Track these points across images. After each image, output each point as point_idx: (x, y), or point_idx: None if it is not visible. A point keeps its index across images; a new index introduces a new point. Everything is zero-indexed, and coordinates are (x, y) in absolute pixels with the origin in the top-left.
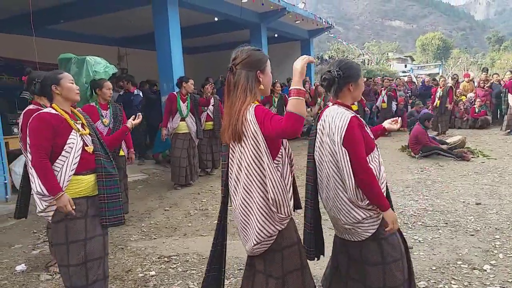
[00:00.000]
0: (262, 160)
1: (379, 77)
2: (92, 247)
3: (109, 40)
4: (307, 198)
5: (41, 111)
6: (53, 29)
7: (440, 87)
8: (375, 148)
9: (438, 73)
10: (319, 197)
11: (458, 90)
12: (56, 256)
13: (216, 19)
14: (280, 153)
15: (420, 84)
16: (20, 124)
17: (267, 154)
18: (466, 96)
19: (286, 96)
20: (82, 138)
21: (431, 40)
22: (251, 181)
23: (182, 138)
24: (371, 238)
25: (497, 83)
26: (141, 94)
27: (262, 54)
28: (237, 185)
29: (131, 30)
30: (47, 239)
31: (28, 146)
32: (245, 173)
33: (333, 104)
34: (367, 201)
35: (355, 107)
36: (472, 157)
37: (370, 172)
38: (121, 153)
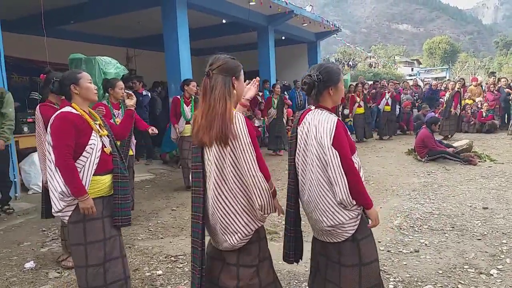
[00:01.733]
0: (245, 166)
1: (384, 80)
2: (111, 248)
3: (118, 41)
4: (288, 202)
5: (62, 110)
6: (63, 30)
7: (449, 91)
8: (356, 151)
9: (445, 77)
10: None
11: (465, 94)
12: (72, 257)
13: (224, 21)
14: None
15: (427, 88)
16: (39, 117)
17: (254, 163)
18: (473, 100)
19: (286, 97)
20: (101, 139)
21: (438, 43)
22: (236, 185)
23: (189, 140)
24: (350, 239)
25: (505, 87)
26: (149, 94)
27: (237, 62)
28: (220, 189)
29: (140, 31)
30: (58, 237)
31: (50, 146)
32: (230, 178)
33: (315, 108)
34: (354, 202)
35: (361, 110)
36: (479, 161)
37: (357, 173)
38: (130, 152)
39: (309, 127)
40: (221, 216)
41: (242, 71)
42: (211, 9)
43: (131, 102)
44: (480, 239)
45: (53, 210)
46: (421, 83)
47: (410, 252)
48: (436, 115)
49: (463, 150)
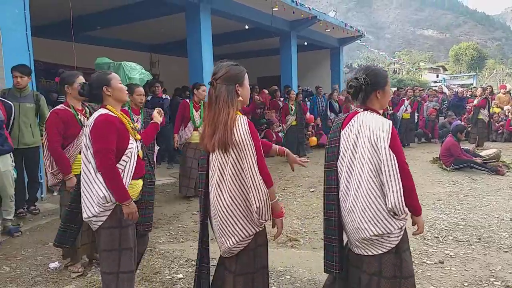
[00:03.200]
0: (245, 173)
1: (409, 87)
2: (135, 255)
3: (142, 46)
4: (329, 210)
5: (101, 113)
6: (89, 35)
7: (477, 98)
8: None
9: (472, 84)
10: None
11: (493, 102)
12: (102, 263)
13: (247, 27)
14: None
15: (453, 95)
16: (45, 122)
17: (255, 165)
18: (502, 108)
19: (305, 104)
20: (136, 143)
21: (465, 50)
22: (235, 190)
23: (194, 148)
24: (393, 251)
25: None
26: (168, 98)
27: (239, 68)
28: (220, 192)
29: (163, 37)
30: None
31: (88, 150)
32: (230, 183)
33: (363, 110)
34: (406, 209)
35: None
36: (507, 171)
37: (411, 178)
38: None
39: (360, 130)
40: (220, 218)
41: (245, 75)
42: (234, 15)
43: (159, 118)
44: (507, 251)
45: (84, 216)
46: (446, 90)
47: (435, 263)
48: (462, 123)
49: (491, 160)
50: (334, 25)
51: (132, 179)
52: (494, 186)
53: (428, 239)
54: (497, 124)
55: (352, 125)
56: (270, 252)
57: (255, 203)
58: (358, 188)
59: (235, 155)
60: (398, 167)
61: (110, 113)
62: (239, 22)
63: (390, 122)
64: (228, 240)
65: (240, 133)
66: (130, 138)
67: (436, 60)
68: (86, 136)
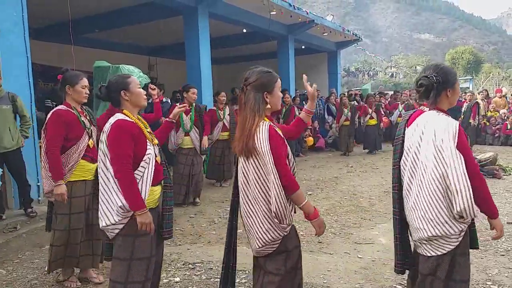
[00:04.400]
0: (268, 178)
1: (407, 90)
2: (152, 267)
3: (140, 49)
4: (394, 208)
5: (117, 118)
6: (86, 38)
7: (466, 102)
8: None
9: (468, 88)
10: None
11: (490, 106)
12: (112, 271)
13: (244, 30)
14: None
15: None
16: (45, 123)
17: (274, 172)
18: (498, 112)
19: (294, 108)
20: (153, 148)
21: (462, 54)
22: (258, 193)
23: (186, 154)
24: (450, 253)
25: None
26: (169, 101)
27: (271, 76)
28: (246, 195)
29: (162, 40)
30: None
31: (106, 157)
32: (253, 186)
33: (429, 110)
34: (478, 211)
35: (373, 121)
36: (504, 175)
37: (482, 177)
38: None
39: (424, 130)
40: (247, 220)
41: (277, 82)
42: (232, 18)
43: (176, 117)
44: (503, 255)
45: (101, 224)
46: None
47: None
48: None
49: (488, 163)
50: (332, 29)
51: (150, 185)
52: (490, 189)
53: None
54: (493, 128)
55: (417, 125)
56: None
57: (272, 208)
58: (420, 188)
59: (257, 161)
60: (467, 167)
61: (127, 118)
62: (236, 26)
63: (456, 122)
64: (255, 242)
65: (260, 140)
66: (148, 143)
67: None
68: (103, 143)
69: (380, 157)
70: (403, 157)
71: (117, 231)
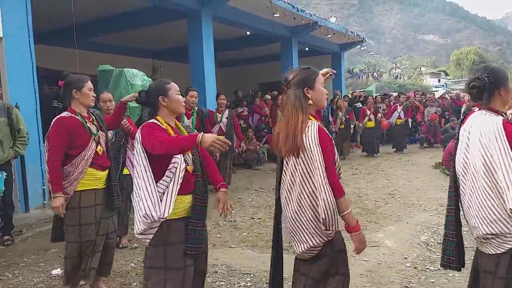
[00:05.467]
0: (315, 179)
1: (412, 92)
2: (189, 277)
3: (144, 52)
4: (449, 206)
5: (149, 121)
6: (91, 41)
7: (465, 103)
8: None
9: None
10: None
11: None
12: (147, 282)
13: (248, 33)
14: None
15: (449, 100)
16: (48, 130)
17: (322, 170)
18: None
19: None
20: (184, 157)
21: (466, 54)
22: (303, 196)
23: None
24: (510, 252)
25: None
26: None
27: (310, 71)
28: (290, 197)
29: (165, 43)
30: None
31: (144, 163)
32: (299, 188)
33: (479, 109)
34: None
35: (372, 124)
36: None
37: None
38: (125, 171)
39: (471, 130)
40: (290, 224)
41: (318, 77)
42: (235, 21)
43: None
44: None
45: (135, 231)
46: (447, 95)
47: (438, 269)
48: None
49: None
50: (335, 30)
51: (178, 194)
52: None
53: (431, 245)
54: None
55: (468, 125)
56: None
57: (321, 215)
58: (472, 187)
59: (305, 162)
60: None
61: (158, 123)
62: (240, 28)
63: (501, 119)
64: (299, 246)
65: (309, 140)
66: None
67: (438, 65)
68: (138, 152)
69: (385, 159)
70: (456, 156)
71: (147, 241)
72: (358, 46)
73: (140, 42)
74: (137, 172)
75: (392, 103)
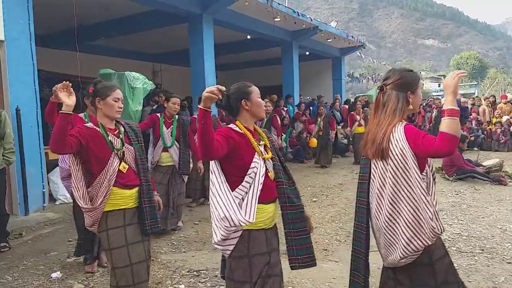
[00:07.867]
0: (410, 179)
1: None
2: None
3: (145, 56)
4: None
5: (227, 127)
6: (92, 45)
7: (435, 109)
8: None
9: (474, 93)
10: None
11: (496, 112)
12: None
13: (249, 37)
14: (425, 171)
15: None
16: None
17: (416, 172)
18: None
19: (276, 117)
20: (264, 162)
21: (467, 59)
22: (398, 197)
23: (163, 172)
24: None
25: None
26: None
27: (414, 75)
28: (381, 201)
29: (166, 46)
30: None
31: (219, 170)
32: (391, 190)
33: None
34: None
35: (361, 129)
36: (510, 182)
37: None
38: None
39: None
40: (384, 230)
41: (420, 82)
42: (236, 25)
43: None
44: (510, 263)
45: (213, 241)
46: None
47: None
48: (465, 133)
49: (493, 170)
50: (336, 35)
51: (258, 202)
52: (496, 196)
53: None
54: (498, 131)
55: None
56: None
57: (430, 223)
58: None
59: (394, 164)
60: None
61: (236, 128)
62: (241, 32)
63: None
64: (394, 253)
65: (396, 141)
66: (255, 156)
67: (438, 70)
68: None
69: None
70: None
71: (228, 252)
72: (358, 51)
73: (141, 46)
74: (211, 179)
75: None
